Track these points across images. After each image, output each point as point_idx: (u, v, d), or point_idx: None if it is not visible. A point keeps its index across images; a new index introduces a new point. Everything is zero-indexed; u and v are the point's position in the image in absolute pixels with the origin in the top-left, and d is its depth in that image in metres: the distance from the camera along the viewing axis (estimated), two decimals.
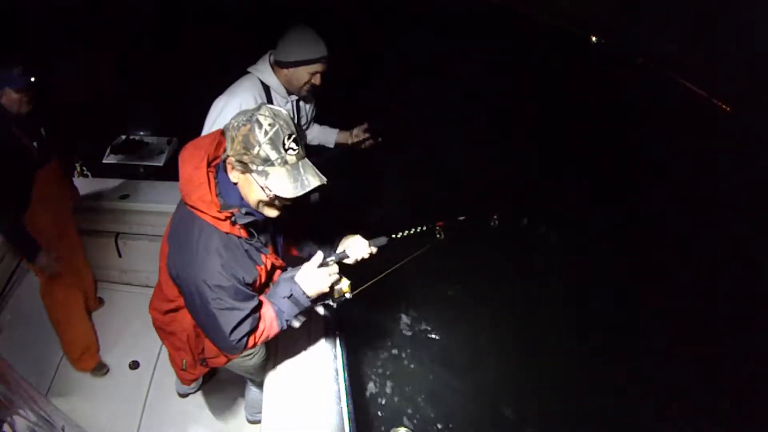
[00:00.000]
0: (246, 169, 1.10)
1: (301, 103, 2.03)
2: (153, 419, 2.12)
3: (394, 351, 2.84)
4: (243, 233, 1.20)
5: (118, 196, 2.40)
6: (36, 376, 2.11)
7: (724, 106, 5.25)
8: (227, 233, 1.17)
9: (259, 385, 1.75)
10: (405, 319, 3.01)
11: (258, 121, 1.07)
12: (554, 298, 3.16)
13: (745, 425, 2.57)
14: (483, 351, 2.87)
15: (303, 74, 1.80)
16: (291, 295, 1.28)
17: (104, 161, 2.86)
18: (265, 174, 1.08)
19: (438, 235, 1.80)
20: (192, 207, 1.16)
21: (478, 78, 5.30)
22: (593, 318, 3.05)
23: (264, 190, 1.11)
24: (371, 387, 2.62)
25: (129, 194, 2.43)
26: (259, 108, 1.10)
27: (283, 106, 1.93)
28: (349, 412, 1.54)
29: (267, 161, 1.08)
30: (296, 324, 1.34)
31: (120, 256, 2.43)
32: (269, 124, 1.07)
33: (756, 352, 2.87)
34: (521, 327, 2.99)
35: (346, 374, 1.67)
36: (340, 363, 1.70)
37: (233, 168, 1.12)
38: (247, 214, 1.18)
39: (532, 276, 3.32)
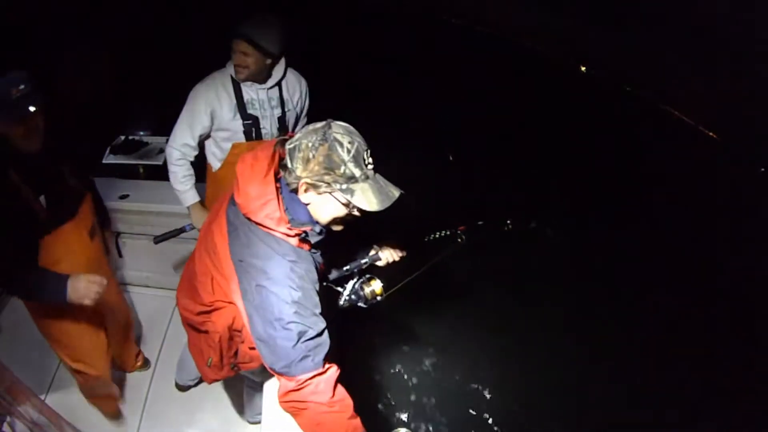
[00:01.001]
0: (328, 189, 1.09)
1: (284, 93, 2.07)
2: (153, 420, 2.11)
3: (395, 352, 2.83)
4: (307, 247, 1.18)
5: (118, 196, 2.39)
6: (35, 377, 2.11)
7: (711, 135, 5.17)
8: (296, 247, 1.15)
9: (260, 386, 1.75)
10: (405, 319, 3.01)
11: (336, 140, 1.06)
12: (554, 299, 3.15)
13: (745, 425, 2.56)
14: (484, 353, 2.86)
15: (234, 53, 1.89)
16: None
17: (104, 161, 2.85)
18: (350, 192, 1.08)
19: (459, 239, 1.83)
20: (258, 224, 1.13)
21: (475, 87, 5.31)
22: (594, 320, 3.04)
23: (347, 207, 1.12)
24: (371, 387, 2.62)
25: (129, 194, 2.43)
26: (329, 126, 1.09)
27: (254, 95, 2.01)
28: None
29: (352, 179, 1.08)
30: None
31: (120, 256, 2.43)
32: (349, 142, 1.07)
33: (756, 351, 2.87)
34: (522, 329, 2.98)
35: (345, 374, 1.66)
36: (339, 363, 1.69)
37: (307, 191, 1.11)
38: (319, 233, 1.18)
39: (532, 277, 3.32)
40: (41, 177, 1.44)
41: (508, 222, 2.10)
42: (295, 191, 1.12)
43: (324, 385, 1.19)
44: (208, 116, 1.95)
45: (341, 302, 1.55)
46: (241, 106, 1.98)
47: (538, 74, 5.88)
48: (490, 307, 3.12)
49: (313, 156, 1.06)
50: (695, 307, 3.12)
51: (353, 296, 1.54)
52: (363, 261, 1.41)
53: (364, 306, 1.55)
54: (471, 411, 2.58)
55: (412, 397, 2.61)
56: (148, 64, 4.95)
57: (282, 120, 2.09)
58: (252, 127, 2.03)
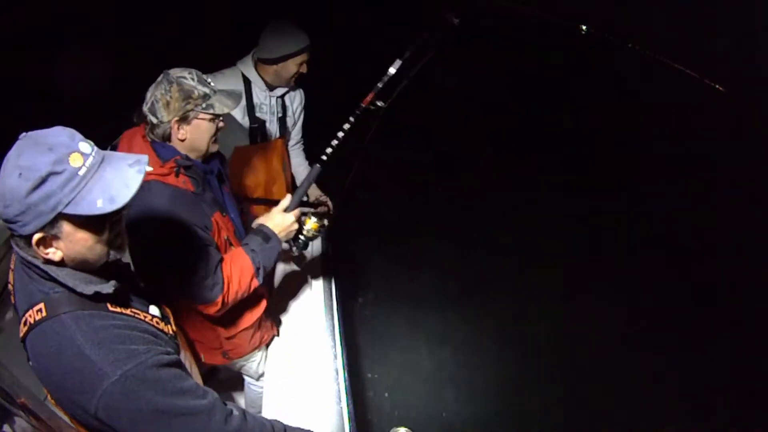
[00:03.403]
0: (194, 114, 1.26)
1: (287, 100, 2.07)
2: None
3: (395, 351, 2.84)
4: (189, 186, 1.29)
5: None
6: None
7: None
8: (173, 185, 1.24)
9: (259, 383, 1.75)
10: (406, 319, 3.01)
11: (179, 76, 1.25)
12: (555, 299, 3.16)
13: (745, 425, 2.57)
14: (484, 351, 2.87)
15: (292, 66, 1.89)
16: (262, 236, 1.38)
17: None
18: (210, 106, 1.26)
19: (375, 108, 1.55)
20: None
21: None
22: (595, 318, 3.05)
23: (214, 121, 1.30)
24: (371, 387, 2.62)
25: None
26: (166, 73, 1.26)
27: (264, 100, 2.01)
28: (349, 412, 1.54)
29: (206, 96, 1.26)
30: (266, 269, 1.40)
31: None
32: (188, 72, 1.26)
33: (756, 352, 2.87)
34: (523, 328, 2.99)
35: (346, 374, 1.66)
36: (340, 363, 1.70)
37: (179, 127, 1.27)
38: (188, 165, 1.29)
39: (532, 278, 3.32)
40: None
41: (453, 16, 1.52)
42: (167, 138, 1.28)
43: (231, 286, 1.31)
44: None
45: (293, 250, 1.61)
46: (250, 108, 1.99)
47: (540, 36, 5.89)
48: (490, 306, 3.12)
49: (170, 97, 1.24)
50: (696, 305, 3.13)
51: (296, 241, 1.59)
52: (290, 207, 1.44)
53: (303, 243, 1.59)
54: (471, 410, 2.58)
55: (412, 397, 2.62)
56: (148, 64, 4.95)
57: (282, 126, 2.11)
58: (258, 131, 2.04)
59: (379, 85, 1.53)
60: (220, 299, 1.29)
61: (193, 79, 1.26)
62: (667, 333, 2.97)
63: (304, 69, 1.92)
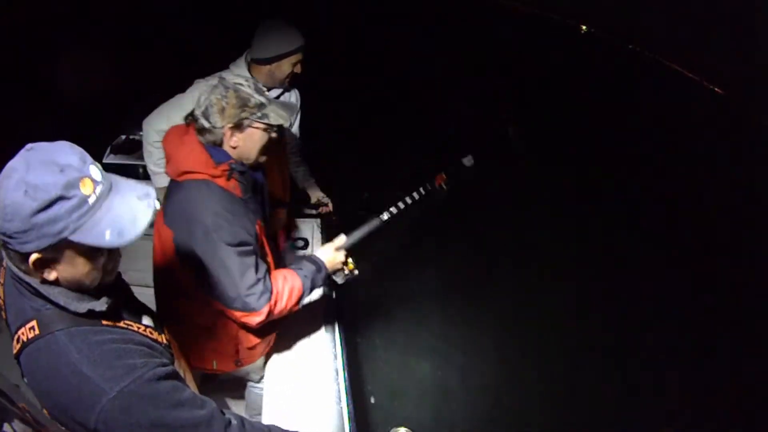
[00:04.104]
0: (248, 122, 1.26)
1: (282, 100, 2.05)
2: None
3: (395, 351, 2.83)
4: (237, 191, 1.30)
5: None
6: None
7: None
8: (224, 188, 1.25)
9: (259, 385, 1.75)
10: (406, 319, 3.01)
11: (236, 83, 1.25)
12: (555, 299, 3.15)
13: (745, 425, 2.57)
14: (485, 351, 2.87)
15: (286, 66, 1.84)
16: (315, 265, 1.41)
17: (104, 161, 2.86)
18: (266, 116, 1.27)
19: (442, 189, 1.70)
20: (186, 173, 1.25)
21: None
22: (595, 317, 3.05)
23: (268, 131, 1.29)
24: (371, 387, 2.62)
25: None
26: (222, 78, 1.26)
27: None
28: (349, 412, 1.54)
29: (261, 106, 1.26)
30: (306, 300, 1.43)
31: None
32: (245, 80, 1.27)
33: (757, 352, 2.87)
34: (523, 327, 2.99)
35: (346, 374, 1.66)
36: (340, 363, 1.70)
37: (232, 134, 1.26)
38: (242, 171, 1.31)
39: (533, 276, 3.32)
40: None
41: (513, 127, 1.87)
42: (219, 144, 1.27)
43: (280, 300, 1.32)
44: None
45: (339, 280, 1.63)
46: None
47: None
48: (490, 306, 3.12)
49: (227, 103, 1.23)
50: (696, 305, 3.13)
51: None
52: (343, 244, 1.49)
53: (340, 282, 1.61)
54: (472, 410, 2.58)
55: (412, 396, 2.62)
56: (148, 63, 4.96)
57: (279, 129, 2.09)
58: None
59: (450, 171, 1.65)
60: (266, 309, 1.27)
61: (249, 87, 1.26)
62: (667, 333, 2.97)
63: (298, 69, 1.87)
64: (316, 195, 2.31)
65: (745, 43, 4.78)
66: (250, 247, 1.27)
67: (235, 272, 1.23)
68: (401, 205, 1.59)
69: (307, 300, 1.40)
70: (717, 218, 3.81)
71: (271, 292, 1.28)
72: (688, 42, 5.25)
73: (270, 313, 1.29)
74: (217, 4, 6.42)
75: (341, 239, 1.50)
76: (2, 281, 0.90)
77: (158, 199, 2.07)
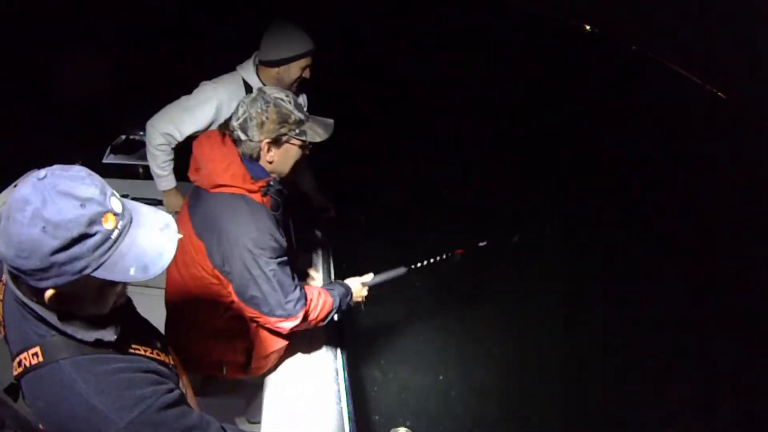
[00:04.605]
0: (286, 138, 1.27)
1: None
2: None
3: (395, 351, 2.84)
4: (269, 206, 1.32)
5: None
6: None
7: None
8: (260, 203, 1.27)
9: (260, 385, 1.75)
10: (406, 319, 3.01)
11: (278, 98, 1.25)
12: (555, 299, 3.15)
13: (745, 425, 2.57)
14: (485, 351, 2.87)
15: (294, 70, 1.82)
16: (345, 289, 1.50)
17: (104, 161, 2.85)
18: (303, 133, 1.28)
19: (457, 258, 1.88)
20: (223, 186, 1.24)
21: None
22: (595, 320, 3.05)
23: (303, 148, 1.32)
24: (371, 387, 2.62)
25: (129, 194, 2.42)
26: (263, 92, 1.26)
27: None
28: (349, 412, 1.55)
29: (300, 122, 1.28)
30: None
31: None
32: (286, 95, 1.27)
33: (757, 352, 2.87)
34: (523, 328, 2.99)
35: (346, 374, 1.67)
36: (340, 363, 1.70)
37: (269, 149, 1.27)
38: (278, 188, 1.34)
39: (533, 277, 3.32)
40: None
41: (516, 237, 2.17)
42: (256, 157, 1.28)
43: (314, 309, 1.38)
44: (213, 112, 1.83)
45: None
46: None
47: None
48: (491, 306, 3.12)
49: (267, 117, 1.23)
50: (696, 304, 3.13)
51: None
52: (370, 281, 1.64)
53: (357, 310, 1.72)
54: (472, 410, 2.58)
55: (413, 397, 2.62)
56: (148, 63, 4.95)
57: None
58: None
59: (469, 248, 1.86)
60: (302, 314, 1.32)
61: (290, 103, 1.27)
62: (668, 333, 2.97)
63: (307, 74, 1.85)
64: (319, 200, 2.31)
65: (745, 43, 4.79)
66: (286, 258, 1.32)
67: (277, 282, 1.27)
68: (424, 262, 1.76)
69: (333, 318, 1.46)
70: (717, 218, 3.81)
71: (306, 299, 1.34)
72: (689, 43, 5.26)
73: (305, 318, 1.35)
74: (218, 3, 6.41)
75: (369, 277, 1.62)
76: (1, 298, 0.87)
77: (163, 203, 2.05)
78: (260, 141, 1.25)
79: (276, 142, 1.26)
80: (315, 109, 2.11)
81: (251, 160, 1.29)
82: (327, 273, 2.09)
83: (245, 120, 1.24)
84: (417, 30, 6.34)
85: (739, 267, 3.45)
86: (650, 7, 5.41)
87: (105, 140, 2.95)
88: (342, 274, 1.79)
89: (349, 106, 4.51)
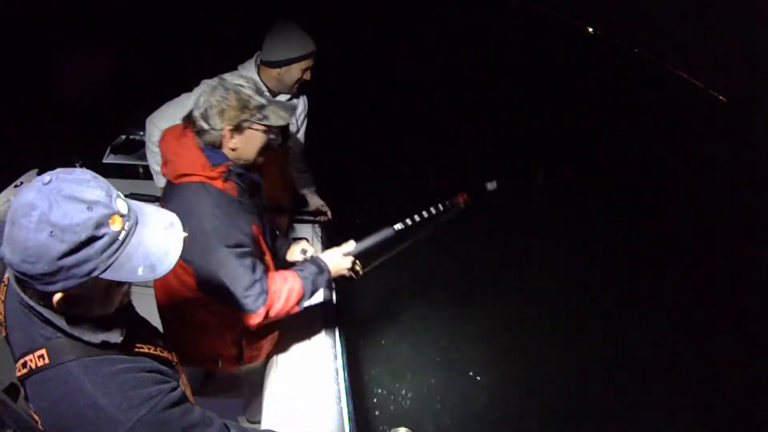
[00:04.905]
0: (248, 123, 1.26)
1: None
2: None
3: (395, 351, 2.83)
4: (234, 193, 1.29)
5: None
6: None
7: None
8: (221, 189, 1.25)
9: (259, 385, 1.75)
10: (407, 319, 3.01)
11: (237, 84, 1.25)
12: (555, 299, 3.15)
13: (745, 425, 2.57)
14: (485, 352, 2.86)
15: (295, 71, 1.81)
16: (317, 266, 1.40)
17: (104, 161, 2.85)
18: (265, 117, 1.27)
19: (460, 208, 1.66)
20: (183, 175, 1.24)
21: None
22: (595, 320, 3.05)
23: (267, 133, 1.29)
24: (371, 387, 2.62)
25: (129, 194, 2.42)
26: (222, 79, 1.26)
27: None
28: (349, 412, 1.54)
29: (262, 107, 1.26)
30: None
31: None
32: (245, 81, 1.26)
33: (757, 352, 2.87)
34: (524, 328, 2.99)
35: (346, 374, 1.66)
36: (340, 363, 1.70)
37: (231, 136, 1.25)
38: (239, 172, 1.30)
39: (533, 277, 3.32)
40: None
41: (539, 177, 1.89)
42: (218, 145, 1.27)
43: (277, 301, 1.31)
44: None
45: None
46: None
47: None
48: (491, 306, 3.12)
49: (227, 105, 1.23)
50: (697, 303, 3.13)
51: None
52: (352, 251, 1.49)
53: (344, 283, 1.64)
54: (472, 411, 2.58)
55: (413, 397, 2.62)
56: (148, 63, 4.95)
57: (284, 134, 2.04)
58: None
59: (473, 193, 1.64)
60: (263, 310, 1.28)
61: (250, 89, 1.26)
62: (668, 333, 2.97)
63: (308, 76, 1.85)
64: (315, 203, 2.31)
65: (746, 44, 4.80)
66: (247, 249, 1.27)
67: (232, 274, 1.23)
68: (416, 218, 1.57)
69: (307, 303, 1.40)
70: (717, 218, 3.81)
71: (268, 294, 1.28)
72: (689, 43, 5.27)
73: (267, 314, 1.29)
74: (218, 3, 6.41)
75: (350, 245, 1.49)
76: (2, 298, 0.87)
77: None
78: (222, 129, 1.24)
79: (238, 128, 1.25)
80: (315, 109, 2.13)
81: (213, 148, 1.28)
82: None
83: (206, 109, 1.24)
84: (417, 30, 6.34)
85: (739, 267, 3.45)
86: (650, 7, 5.42)
87: (105, 140, 2.95)
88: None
89: (349, 106, 4.54)
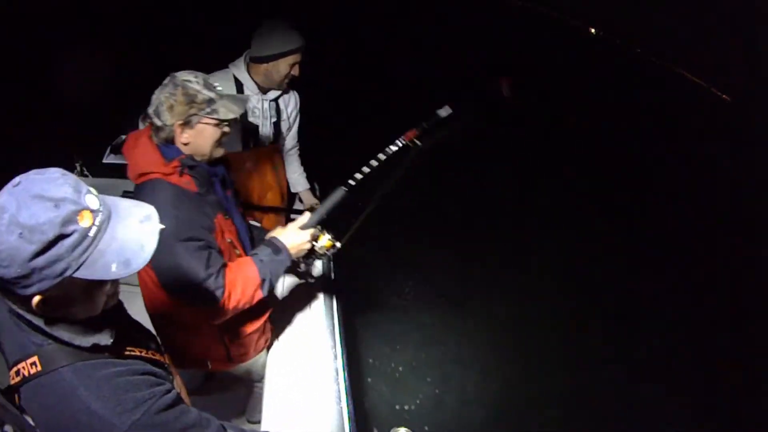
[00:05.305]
0: (197, 118, 1.25)
1: (281, 103, 2.01)
2: None
3: (395, 351, 2.83)
4: (192, 187, 1.28)
5: (118, 196, 2.38)
6: None
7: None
8: (176, 184, 1.25)
9: (260, 385, 1.75)
10: (407, 319, 3.01)
11: (184, 79, 1.25)
12: (555, 299, 3.16)
13: (745, 425, 2.57)
14: (485, 352, 2.87)
15: (282, 67, 1.82)
16: (273, 248, 1.34)
17: (104, 161, 2.84)
18: (215, 111, 1.26)
19: (414, 146, 1.49)
20: (142, 174, 1.26)
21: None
22: (595, 320, 3.05)
23: (219, 126, 1.28)
24: (371, 387, 2.62)
25: (129, 194, 2.41)
26: (173, 76, 1.26)
27: (256, 104, 1.95)
28: (349, 412, 1.54)
29: (211, 101, 1.25)
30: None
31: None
32: (194, 77, 1.26)
33: (757, 352, 2.87)
34: (524, 330, 2.99)
35: (346, 374, 1.66)
36: (340, 363, 1.70)
37: (182, 131, 1.26)
38: (193, 165, 1.29)
39: (533, 278, 3.32)
40: None
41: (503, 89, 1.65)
42: (171, 140, 1.28)
43: (234, 293, 1.28)
44: None
45: (300, 267, 1.59)
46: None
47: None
48: (491, 306, 3.12)
49: (175, 100, 1.23)
50: (697, 303, 3.13)
51: (306, 258, 1.52)
52: (307, 223, 1.41)
53: (316, 262, 1.60)
54: (472, 410, 2.58)
55: (413, 397, 2.62)
56: (148, 63, 4.95)
57: (277, 131, 2.06)
58: (250, 136, 1.99)
59: (424, 125, 1.48)
60: (220, 305, 1.26)
61: (198, 83, 1.25)
62: (668, 333, 2.97)
63: (296, 71, 1.85)
64: (309, 201, 2.31)
65: (746, 44, 4.80)
66: (202, 242, 1.25)
67: (186, 267, 1.21)
68: (366, 169, 1.45)
69: (268, 286, 1.34)
70: (717, 218, 3.81)
71: (225, 285, 1.25)
72: (690, 43, 5.27)
73: (228, 306, 1.27)
74: (218, 3, 6.40)
75: (304, 217, 1.42)
76: None
77: None
78: (172, 124, 1.25)
79: (187, 123, 1.25)
80: (315, 109, 2.14)
81: (167, 144, 1.29)
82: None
83: (157, 106, 1.25)
84: (417, 30, 6.34)
85: (739, 267, 3.45)
86: (650, 7, 5.42)
87: (105, 140, 2.95)
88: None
89: (349, 106, 4.54)
